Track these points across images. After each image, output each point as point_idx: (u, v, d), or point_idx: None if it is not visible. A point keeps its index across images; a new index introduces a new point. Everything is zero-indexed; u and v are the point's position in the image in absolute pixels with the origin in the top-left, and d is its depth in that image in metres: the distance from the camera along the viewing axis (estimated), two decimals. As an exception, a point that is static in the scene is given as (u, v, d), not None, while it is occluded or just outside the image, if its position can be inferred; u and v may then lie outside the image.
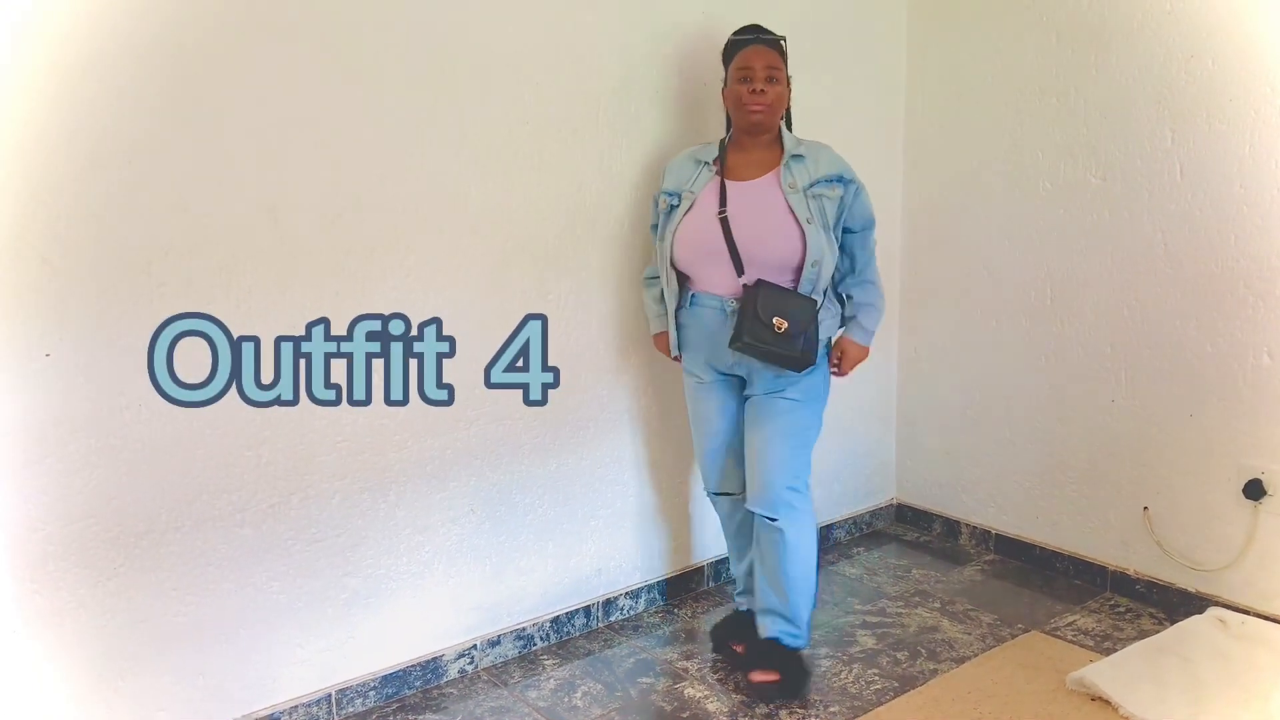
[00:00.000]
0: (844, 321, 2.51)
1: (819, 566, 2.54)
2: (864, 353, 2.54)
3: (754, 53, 2.39)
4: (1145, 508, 2.88)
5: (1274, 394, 2.58)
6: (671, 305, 2.48)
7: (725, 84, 2.47)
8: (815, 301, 2.35)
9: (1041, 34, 2.97)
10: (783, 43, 2.44)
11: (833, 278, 2.45)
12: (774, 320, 2.28)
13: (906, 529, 3.56)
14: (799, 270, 2.35)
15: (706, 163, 2.46)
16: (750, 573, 2.62)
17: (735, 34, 2.46)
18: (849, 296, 2.49)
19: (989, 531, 3.32)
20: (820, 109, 2.93)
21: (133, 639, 2.06)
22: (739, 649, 2.60)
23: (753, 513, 2.46)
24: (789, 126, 2.53)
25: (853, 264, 2.49)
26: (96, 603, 2.00)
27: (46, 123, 1.84)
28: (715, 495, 2.63)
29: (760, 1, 2.78)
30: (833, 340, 2.51)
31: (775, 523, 2.41)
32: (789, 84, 2.46)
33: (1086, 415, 3.00)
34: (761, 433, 2.43)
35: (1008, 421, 3.22)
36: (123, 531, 2.02)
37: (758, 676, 2.46)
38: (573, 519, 2.75)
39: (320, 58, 2.15)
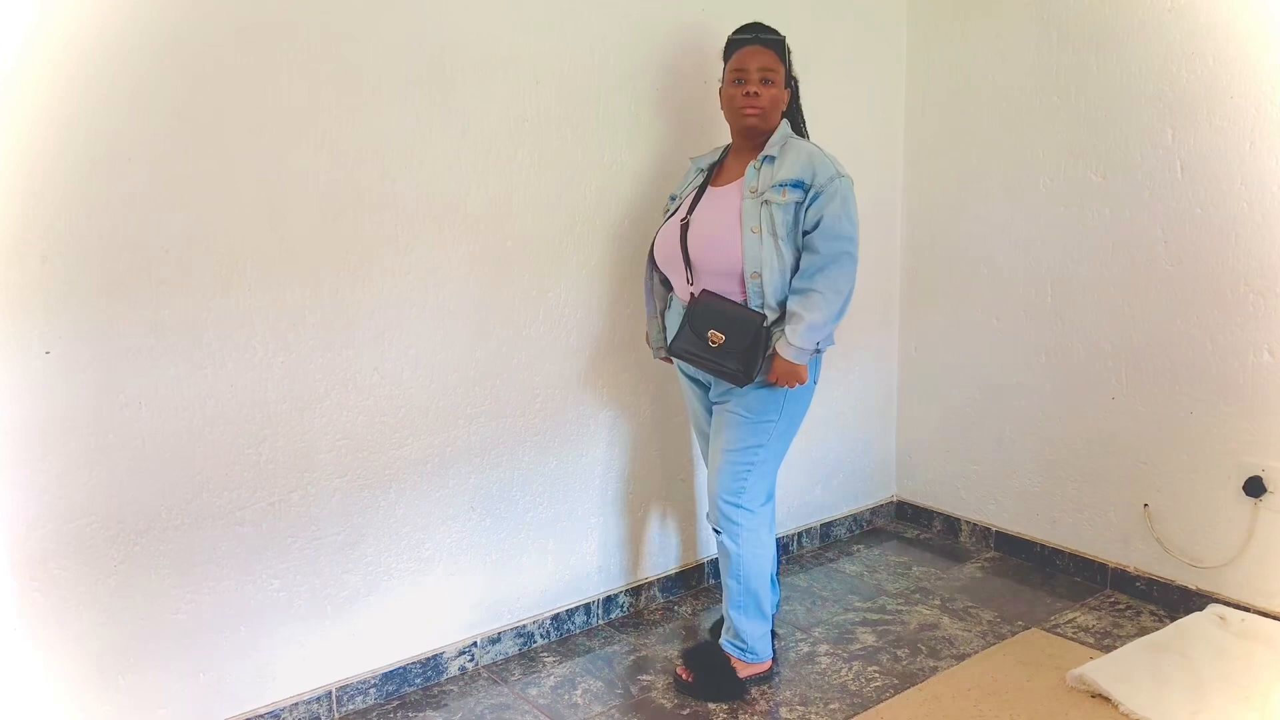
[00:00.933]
0: None
1: (771, 585, 2.52)
2: (791, 368, 2.26)
3: (750, 53, 2.34)
4: (1145, 505, 2.89)
5: (1274, 391, 2.58)
6: (660, 306, 2.53)
7: (721, 84, 2.42)
8: (761, 317, 2.25)
9: (1042, 32, 2.97)
10: (784, 43, 2.38)
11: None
12: (709, 333, 2.26)
13: (907, 526, 3.56)
14: (743, 280, 2.28)
15: (703, 169, 2.46)
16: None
17: (734, 33, 2.42)
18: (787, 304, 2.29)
19: (989, 528, 3.33)
20: (820, 108, 2.92)
21: (133, 636, 2.06)
22: (686, 675, 2.52)
23: None
24: (801, 130, 2.48)
25: (800, 267, 2.27)
26: (97, 600, 2.01)
27: (47, 121, 1.84)
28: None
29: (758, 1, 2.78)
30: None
31: (719, 535, 2.44)
32: (794, 85, 2.43)
33: (1087, 412, 3.00)
34: (713, 444, 2.44)
35: (1008, 419, 3.22)
36: (123, 529, 2.02)
37: (679, 669, 2.49)
38: (573, 516, 2.75)
39: (320, 55, 2.15)
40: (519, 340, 2.56)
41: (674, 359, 2.44)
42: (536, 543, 2.68)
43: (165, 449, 2.06)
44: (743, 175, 2.33)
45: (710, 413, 2.51)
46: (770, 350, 2.27)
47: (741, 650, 2.48)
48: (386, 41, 2.24)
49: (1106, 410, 2.94)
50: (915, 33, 3.34)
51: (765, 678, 2.51)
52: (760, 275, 2.25)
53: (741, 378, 2.27)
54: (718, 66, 2.49)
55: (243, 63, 2.05)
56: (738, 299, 2.29)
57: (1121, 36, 2.78)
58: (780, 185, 2.25)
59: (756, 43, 2.35)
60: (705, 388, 2.50)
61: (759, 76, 2.32)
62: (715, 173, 2.44)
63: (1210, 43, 2.60)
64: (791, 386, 2.31)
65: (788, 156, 2.29)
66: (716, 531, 2.45)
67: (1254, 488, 2.62)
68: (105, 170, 1.92)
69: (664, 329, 2.51)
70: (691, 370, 2.48)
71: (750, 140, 2.37)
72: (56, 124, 1.85)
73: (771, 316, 2.27)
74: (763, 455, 2.38)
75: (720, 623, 2.66)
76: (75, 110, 1.87)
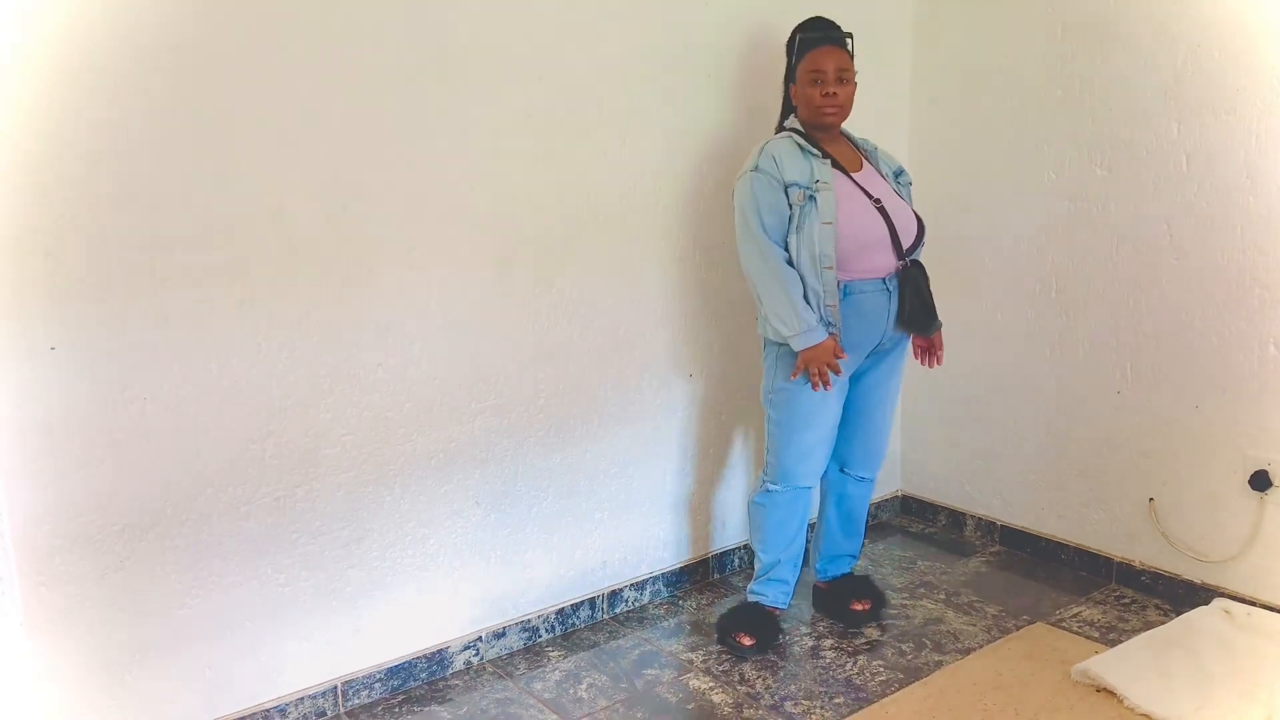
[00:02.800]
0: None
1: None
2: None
3: (825, 54, 2.43)
4: (1151, 499, 2.88)
5: (1280, 385, 2.58)
6: (828, 300, 2.39)
7: (792, 80, 2.51)
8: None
9: (1047, 24, 2.96)
10: (850, 39, 2.48)
11: None
12: (927, 294, 2.53)
13: (911, 521, 3.56)
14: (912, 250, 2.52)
15: (814, 154, 2.44)
16: (796, 557, 2.70)
17: (803, 31, 2.47)
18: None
19: (994, 523, 3.32)
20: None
21: (138, 632, 2.07)
22: (749, 641, 2.60)
23: (842, 478, 2.75)
24: None
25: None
26: (102, 596, 2.01)
27: (50, 117, 1.84)
28: (805, 489, 2.62)
29: (764, -8, 2.77)
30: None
31: (868, 480, 2.76)
32: (855, 82, 2.52)
33: (1092, 406, 2.99)
34: (882, 407, 2.68)
35: (1013, 413, 3.22)
36: (128, 525, 2.03)
37: (857, 605, 2.77)
38: (577, 511, 2.75)
39: (324, 50, 2.15)
40: (523, 336, 2.56)
41: (906, 332, 2.58)
42: (541, 538, 2.68)
43: (170, 445, 2.06)
44: (861, 163, 2.54)
45: (845, 397, 2.58)
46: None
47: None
48: (390, 37, 2.24)
49: (1112, 404, 2.94)
50: (920, 25, 3.33)
51: (771, 669, 2.52)
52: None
53: (934, 325, 2.59)
54: (721, 62, 2.49)
55: (247, 59, 2.05)
56: None
57: (1127, 29, 2.77)
58: (899, 172, 2.62)
59: (828, 41, 2.45)
60: (856, 367, 2.57)
61: (836, 76, 2.43)
62: (834, 158, 2.48)
63: (1216, 35, 2.59)
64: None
65: (876, 149, 2.62)
66: (867, 479, 2.75)
67: (1260, 482, 2.62)
68: (109, 166, 1.92)
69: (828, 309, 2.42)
70: (883, 343, 2.55)
71: (827, 131, 2.50)
72: (60, 119, 1.85)
73: None
74: None
75: (732, 614, 2.69)
76: (79, 106, 1.87)
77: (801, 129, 2.51)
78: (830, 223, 2.37)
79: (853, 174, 2.47)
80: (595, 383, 2.72)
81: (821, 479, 2.71)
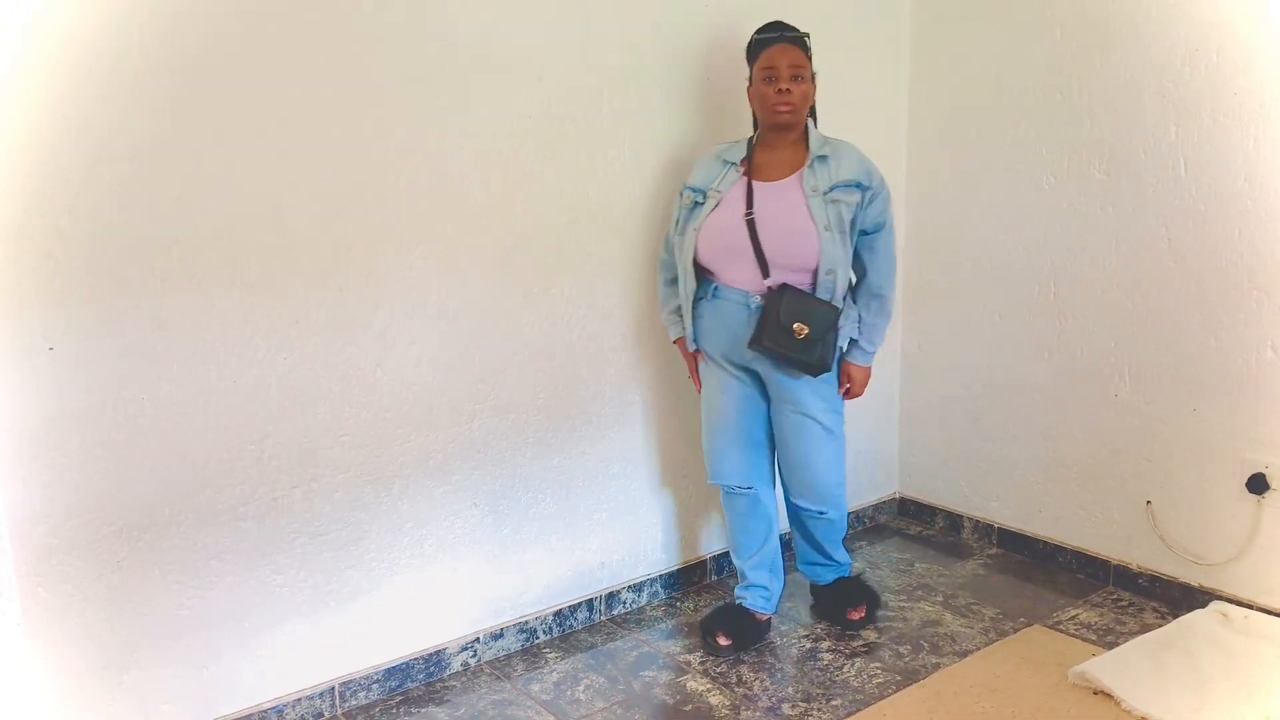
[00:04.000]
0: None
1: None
2: (866, 374, 2.58)
3: (778, 51, 2.39)
4: (1148, 502, 2.88)
5: (1278, 389, 2.57)
6: (690, 297, 2.50)
7: (750, 82, 2.48)
8: (837, 309, 2.38)
9: (1045, 28, 2.96)
10: (806, 39, 2.45)
11: (850, 281, 2.48)
12: (795, 326, 2.32)
13: (909, 523, 3.56)
14: (815, 275, 2.37)
15: (733, 163, 2.46)
16: (766, 564, 2.69)
17: (758, 32, 2.46)
18: (859, 316, 2.51)
19: (991, 525, 3.32)
20: (823, 105, 2.92)
21: (136, 632, 2.07)
22: (724, 641, 2.61)
23: (790, 503, 2.68)
24: (814, 122, 2.54)
25: (864, 270, 2.50)
26: (100, 596, 2.01)
27: (50, 117, 1.85)
28: (725, 488, 2.65)
29: (763, -5, 2.77)
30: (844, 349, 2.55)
31: (823, 515, 2.63)
32: (814, 80, 2.46)
33: (1089, 410, 2.99)
34: (798, 444, 2.54)
35: (1010, 416, 3.22)
36: (126, 525, 2.03)
37: (853, 614, 2.72)
38: (575, 513, 2.75)
39: (324, 52, 2.15)
40: (521, 337, 2.56)
41: (753, 352, 2.42)
42: (539, 539, 2.69)
43: (168, 445, 2.06)
44: (790, 172, 2.41)
45: (750, 407, 2.55)
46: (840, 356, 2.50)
47: (849, 566, 2.84)
48: (389, 38, 2.24)
49: (1109, 407, 2.94)
50: (919, 28, 3.34)
51: (768, 671, 2.52)
52: (834, 272, 2.38)
53: (819, 368, 2.39)
54: (722, 62, 2.49)
55: (245, 59, 2.05)
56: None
57: (1125, 33, 2.77)
58: (845, 186, 2.38)
59: (783, 40, 2.41)
60: (755, 382, 2.53)
61: (790, 74, 2.38)
62: (753, 168, 2.45)
63: (1214, 39, 2.59)
64: (861, 393, 2.58)
65: (840, 157, 2.42)
66: (822, 514, 2.62)
67: (1257, 485, 2.62)
68: (108, 166, 1.92)
69: (696, 318, 2.51)
70: (748, 362, 2.48)
71: (782, 136, 2.43)
72: (59, 120, 1.86)
73: (841, 307, 2.41)
74: (843, 442, 2.60)
75: (714, 614, 2.69)
76: (78, 106, 1.87)
77: (754, 134, 2.51)
78: (697, 229, 2.43)
79: (767, 183, 2.42)
80: (594, 384, 2.72)
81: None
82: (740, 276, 2.41)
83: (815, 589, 2.86)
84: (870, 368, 2.57)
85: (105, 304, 1.95)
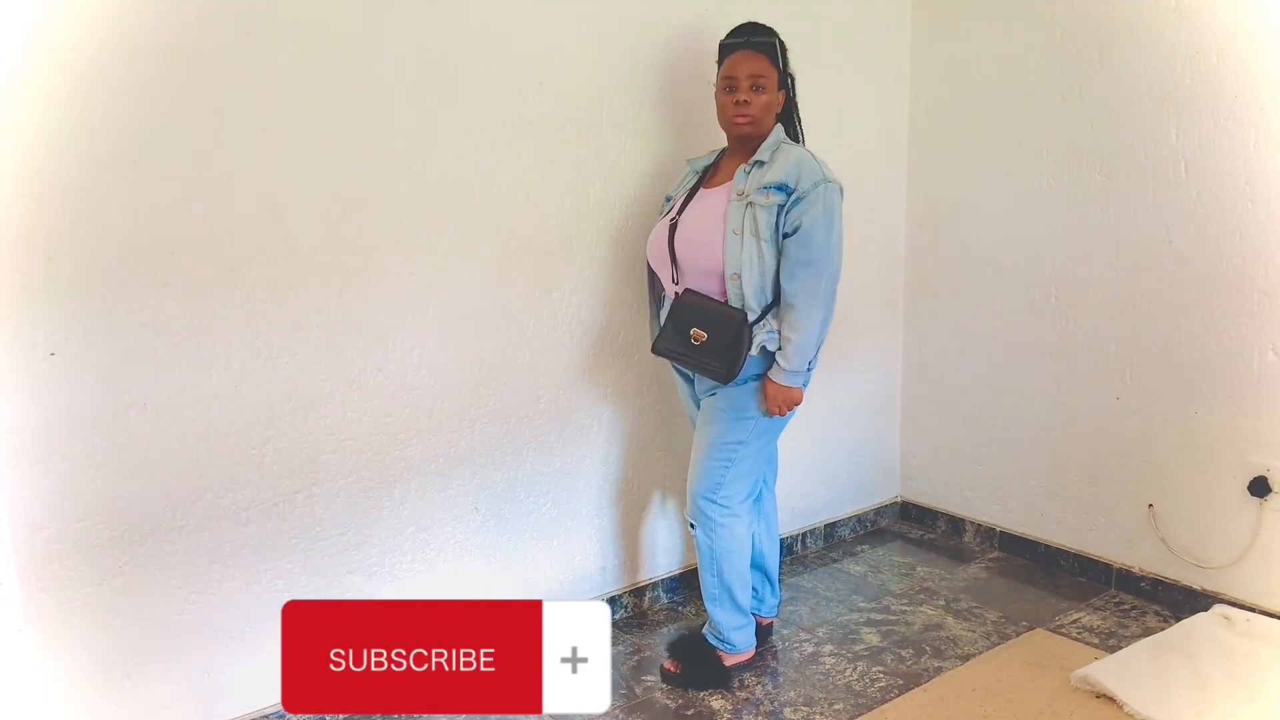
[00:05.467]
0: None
1: (773, 585, 2.70)
2: (785, 392, 2.30)
3: (740, 59, 2.32)
4: (1150, 505, 2.88)
5: (1279, 391, 2.57)
6: (655, 306, 2.57)
7: (715, 88, 2.41)
8: (743, 315, 2.26)
9: (1046, 31, 2.97)
10: (777, 44, 2.36)
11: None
12: (691, 331, 2.29)
13: (911, 526, 3.56)
14: (723, 280, 2.30)
15: (698, 170, 2.47)
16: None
17: (726, 36, 2.40)
18: (777, 329, 2.30)
19: (993, 529, 3.32)
20: (824, 108, 2.92)
21: (138, 637, 2.06)
22: (672, 668, 2.52)
23: None
24: (796, 134, 2.46)
25: (784, 281, 2.27)
26: (102, 601, 2.01)
27: (52, 122, 1.85)
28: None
29: (761, 0, 2.78)
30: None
31: (694, 529, 2.46)
32: (791, 85, 2.41)
33: (1091, 413, 2.99)
34: (696, 438, 2.46)
35: (1012, 419, 3.22)
36: (128, 530, 2.03)
37: (665, 662, 2.54)
38: (576, 517, 2.75)
39: (325, 57, 2.16)
40: (522, 341, 2.56)
41: (659, 357, 2.44)
42: (540, 543, 2.68)
43: (170, 450, 2.06)
44: (730, 178, 2.35)
45: (699, 408, 2.53)
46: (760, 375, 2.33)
47: (720, 642, 2.51)
48: (390, 42, 2.24)
49: (1111, 410, 2.94)
50: (919, 31, 3.34)
51: (770, 675, 2.52)
52: (740, 276, 2.27)
53: (724, 375, 2.29)
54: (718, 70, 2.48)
55: (247, 64, 2.06)
56: (719, 298, 2.31)
57: (1125, 35, 2.78)
58: (765, 188, 2.25)
59: (748, 47, 2.33)
60: (693, 383, 2.53)
61: (749, 84, 2.31)
62: (709, 175, 2.46)
63: (1214, 42, 2.59)
64: (783, 413, 2.34)
65: (777, 161, 2.29)
66: (691, 526, 2.46)
67: (1259, 488, 2.62)
68: (109, 172, 1.92)
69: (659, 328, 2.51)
70: (680, 368, 2.52)
71: (744, 145, 2.38)
72: (61, 126, 1.86)
73: (751, 316, 2.28)
74: (741, 453, 2.38)
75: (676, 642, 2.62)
76: (79, 112, 1.87)
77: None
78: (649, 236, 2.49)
79: (704, 189, 2.40)
80: (596, 387, 2.73)
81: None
82: (666, 282, 2.44)
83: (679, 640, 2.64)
84: (793, 387, 2.30)
85: (106, 308, 1.95)
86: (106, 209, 1.92)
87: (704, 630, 2.55)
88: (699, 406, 2.52)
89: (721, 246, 2.28)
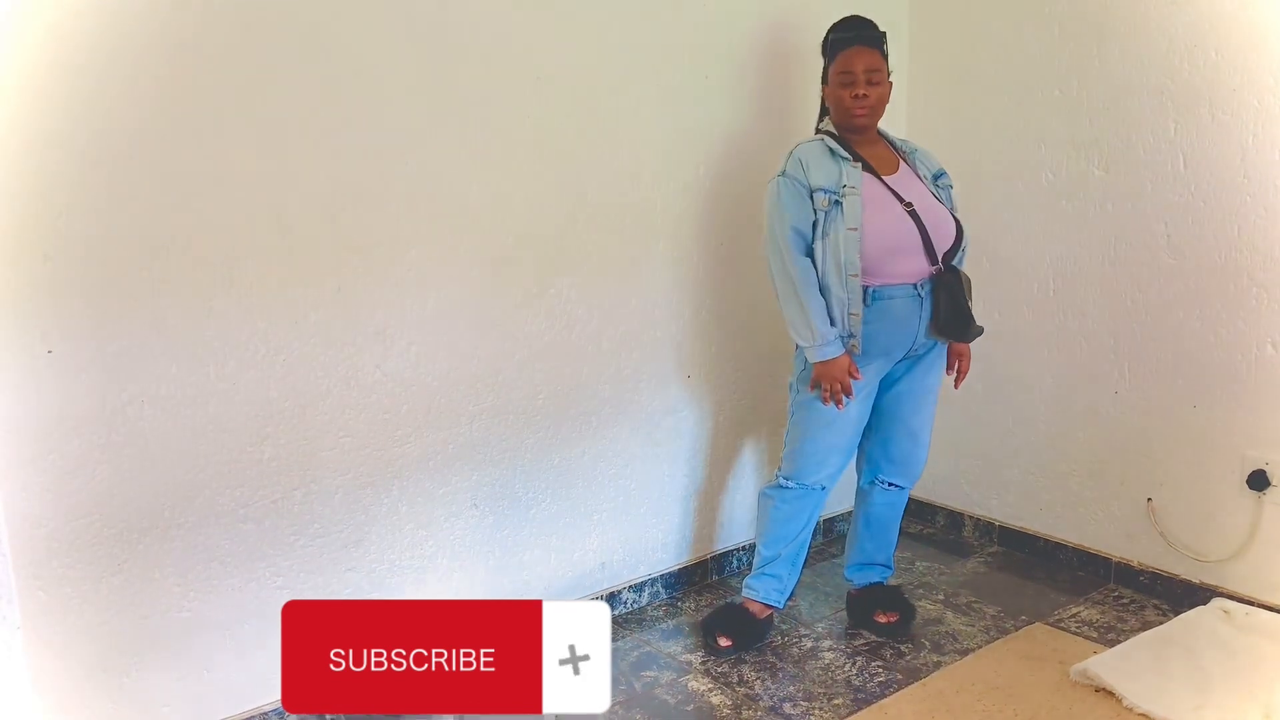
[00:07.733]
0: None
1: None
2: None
3: (855, 54, 2.40)
4: (1149, 499, 2.88)
5: (1278, 385, 2.57)
6: (852, 309, 2.36)
7: (825, 81, 2.48)
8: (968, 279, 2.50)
9: (1043, 25, 2.96)
10: (883, 38, 2.45)
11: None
12: (967, 302, 2.46)
13: (910, 521, 3.55)
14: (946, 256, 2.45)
15: (845, 158, 2.40)
16: (791, 557, 2.65)
17: (834, 30, 2.46)
18: None
19: (992, 523, 3.32)
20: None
21: (136, 635, 2.06)
22: (725, 642, 2.60)
23: (872, 485, 2.70)
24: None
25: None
26: (100, 599, 2.01)
27: (48, 119, 1.84)
28: (818, 489, 2.59)
29: None
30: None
31: (898, 488, 2.68)
32: (890, 81, 2.48)
33: (1089, 407, 2.99)
34: (917, 415, 2.61)
35: (1010, 413, 3.22)
36: (126, 528, 2.02)
37: (882, 617, 2.71)
38: (575, 513, 2.75)
39: (322, 53, 2.15)
40: (521, 337, 2.55)
41: (940, 339, 2.51)
42: (539, 539, 2.68)
43: (167, 447, 2.05)
44: (894, 164, 2.47)
45: (869, 405, 2.55)
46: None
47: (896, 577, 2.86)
48: (387, 38, 2.23)
49: (1109, 404, 2.94)
50: (916, 24, 3.33)
51: (770, 670, 2.52)
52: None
53: (976, 331, 2.50)
54: (720, 63, 2.48)
55: (244, 61, 2.05)
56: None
57: (1123, 29, 2.77)
58: (939, 174, 2.53)
59: (859, 42, 2.41)
60: (888, 371, 2.53)
61: (865, 78, 2.39)
62: (871, 164, 2.44)
63: (1212, 35, 2.59)
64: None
65: (917, 150, 2.55)
66: (903, 488, 2.69)
67: (1258, 481, 2.62)
68: (106, 169, 1.91)
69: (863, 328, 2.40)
70: (915, 349, 2.49)
71: (862, 135, 2.46)
72: (57, 123, 1.85)
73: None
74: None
75: (716, 614, 2.69)
76: (75, 109, 1.86)
77: (835, 131, 2.48)
78: (855, 229, 2.33)
79: (886, 177, 2.42)
80: (593, 384, 2.72)
81: (857, 482, 2.75)
82: (906, 269, 2.39)
83: (852, 593, 2.81)
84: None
85: (103, 306, 1.94)
86: (104, 206, 1.92)
87: (890, 579, 2.82)
88: (869, 396, 2.54)
89: (954, 225, 2.46)
